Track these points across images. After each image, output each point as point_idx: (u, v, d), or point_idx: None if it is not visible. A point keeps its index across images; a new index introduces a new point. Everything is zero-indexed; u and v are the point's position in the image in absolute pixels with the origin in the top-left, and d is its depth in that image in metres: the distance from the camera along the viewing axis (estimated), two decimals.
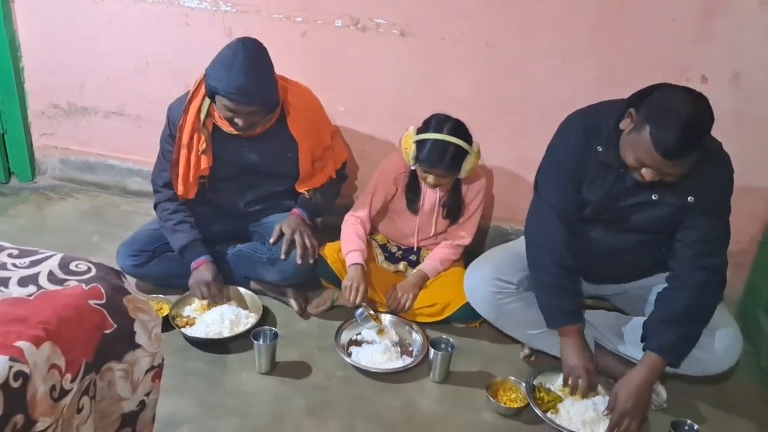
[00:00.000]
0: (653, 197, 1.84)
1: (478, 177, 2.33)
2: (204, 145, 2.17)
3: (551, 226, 1.95)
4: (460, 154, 2.13)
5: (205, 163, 2.20)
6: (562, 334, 1.96)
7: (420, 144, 2.13)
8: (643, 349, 1.87)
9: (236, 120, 2.07)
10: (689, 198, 1.81)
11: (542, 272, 1.98)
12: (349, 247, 2.27)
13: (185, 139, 2.17)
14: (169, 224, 2.24)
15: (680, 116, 1.61)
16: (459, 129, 2.14)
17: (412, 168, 2.24)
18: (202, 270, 2.19)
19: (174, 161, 2.21)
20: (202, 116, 2.14)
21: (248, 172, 2.27)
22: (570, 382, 1.93)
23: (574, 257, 1.94)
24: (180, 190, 2.24)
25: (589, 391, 1.92)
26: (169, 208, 2.26)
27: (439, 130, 2.12)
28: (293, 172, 2.30)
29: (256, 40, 2.05)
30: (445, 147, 2.11)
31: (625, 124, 1.75)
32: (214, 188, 2.31)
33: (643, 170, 1.71)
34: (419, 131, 2.16)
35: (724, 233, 1.88)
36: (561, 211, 1.94)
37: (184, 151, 2.19)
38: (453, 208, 2.32)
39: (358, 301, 2.15)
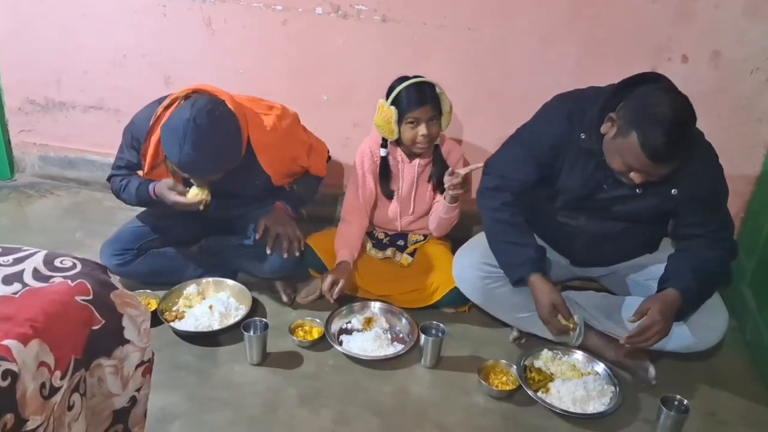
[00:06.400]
0: (637, 191, 1.85)
1: (454, 146, 2.35)
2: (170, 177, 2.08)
3: (494, 194, 2.00)
4: (435, 92, 2.17)
5: None
6: (530, 287, 1.95)
7: (396, 99, 2.15)
8: (662, 288, 1.87)
9: (193, 180, 2.02)
10: (672, 190, 1.83)
11: (489, 233, 2.04)
12: (337, 244, 2.29)
13: (147, 168, 2.11)
14: (123, 184, 2.16)
15: (665, 118, 1.61)
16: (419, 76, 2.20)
17: (394, 138, 2.22)
18: (161, 182, 2.07)
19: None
20: None
21: (221, 196, 2.14)
22: (549, 324, 1.93)
23: (560, 242, 1.96)
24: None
25: (567, 318, 1.91)
26: (121, 174, 2.19)
27: (405, 80, 2.17)
28: (268, 189, 2.24)
29: (209, 110, 1.89)
30: (420, 84, 2.16)
31: (607, 128, 1.76)
32: None
33: (632, 174, 1.72)
34: (388, 95, 2.18)
35: (726, 222, 1.94)
36: (509, 180, 1.98)
37: (153, 174, 2.13)
38: (441, 176, 2.25)
39: (334, 296, 2.16)
